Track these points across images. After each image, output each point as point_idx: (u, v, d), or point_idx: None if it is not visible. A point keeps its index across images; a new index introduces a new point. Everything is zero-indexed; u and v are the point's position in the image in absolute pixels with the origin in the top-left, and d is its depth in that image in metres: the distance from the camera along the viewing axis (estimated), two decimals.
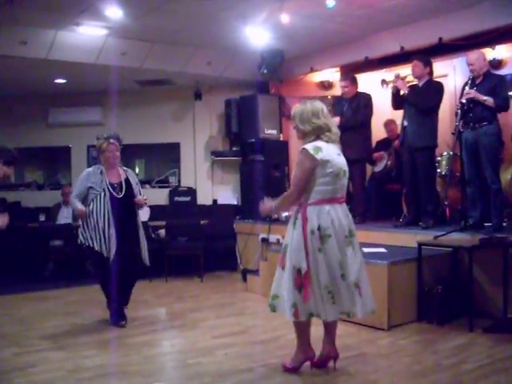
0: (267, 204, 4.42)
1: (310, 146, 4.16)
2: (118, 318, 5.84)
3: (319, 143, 4.19)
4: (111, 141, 5.96)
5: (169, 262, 8.51)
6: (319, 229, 4.11)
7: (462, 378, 4.20)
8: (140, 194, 6.11)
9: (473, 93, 6.20)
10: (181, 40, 8.37)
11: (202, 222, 8.68)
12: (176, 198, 10.05)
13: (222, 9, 6.96)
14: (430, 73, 7.09)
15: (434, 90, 6.99)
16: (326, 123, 4.24)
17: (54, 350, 5.11)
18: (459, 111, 6.32)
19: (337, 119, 7.69)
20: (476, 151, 6.30)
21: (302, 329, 4.32)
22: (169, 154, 10.73)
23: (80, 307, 6.81)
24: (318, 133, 4.22)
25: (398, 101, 7.29)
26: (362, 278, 4.30)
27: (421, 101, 6.93)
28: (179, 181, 10.50)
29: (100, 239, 5.72)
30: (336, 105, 8.03)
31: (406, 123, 7.13)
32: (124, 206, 5.87)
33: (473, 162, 6.38)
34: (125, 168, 6.19)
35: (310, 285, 4.11)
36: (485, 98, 6.15)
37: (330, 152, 4.19)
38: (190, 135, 10.40)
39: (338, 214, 4.18)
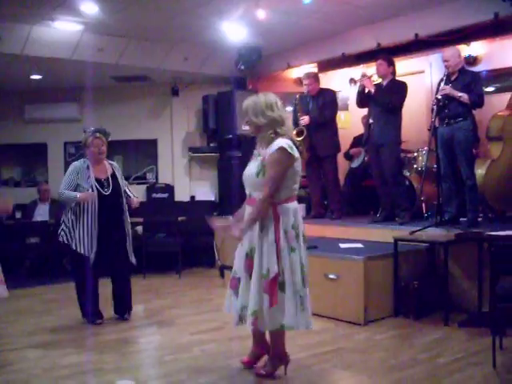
0: (236, 226, 4.12)
1: (286, 145, 3.94)
2: (94, 316, 5.81)
3: (288, 141, 3.99)
4: (97, 135, 5.83)
5: (146, 259, 8.48)
6: (293, 227, 3.98)
7: (437, 372, 4.25)
8: (127, 189, 6.06)
9: (448, 89, 6.25)
10: (157, 36, 8.32)
11: (179, 219, 8.66)
12: (153, 195, 10.02)
13: (198, 4, 6.93)
14: (394, 72, 7.26)
15: (398, 89, 7.15)
16: (280, 116, 4.04)
17: (30, 348, 5.07)
18: (435, 107, 6.37)
19: (306, 118, 7.76)
20: (451, 147, 6.36)
21: (278, 335, 4.14)
22: (146, 150, 10.67)
23: (57, 305, 6.77)
24: (274, 126, 4.01)
25: (363, 99, 7.42)
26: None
27: (386, 100, 7.07)
28: (157, 177, 10.45)
29: (83, 239, 5.63)
30: (301, 102, 8.06)
31: (371, 121, 7.27)
32: (111, 202, 5.79)
33: (448, 158, 6.44)
34: (111, 162, 6.06)
35: (278, 291, 3.93)
36: (460, 94, 6.21)
37: (295, 149, 4.04)
38: (167, 131, 10.34)
39: (299, 213, 4.10)
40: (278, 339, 4.17)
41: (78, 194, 5.61)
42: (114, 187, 5.85)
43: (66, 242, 5.69)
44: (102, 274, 5.94)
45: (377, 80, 7.32)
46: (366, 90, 7.29)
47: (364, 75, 7.33)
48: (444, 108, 6.33)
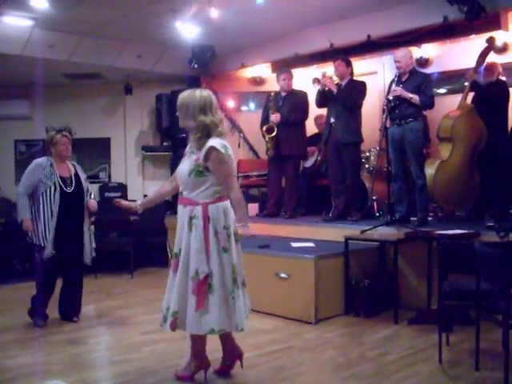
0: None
1: (219, 146, 3.86)
2: (39, 317, 5.70)
3: (222, 141, 3.91)
4: (64, 133, 5.78)
5: (98, 259, 8.34)
6: (225, 227, 3.90)
7: (385, 369, 4.31)
8: (88, 191, 5.96)
9: (399, 90, 6.35)
10: (110, 33, 8.20)
11: (132, 218, 8.56)
12: (106, 194, 9.90)
13: (151, 2, 6.87)
14: (352, 73, 7.39)
15: (358, 88, 7.28)
16: (212, 121, 3.89)
17: None
18: (386, 108, 6.45)
19: (278, 116, 7.78)
20: (402, 147, 6.45)
21: (198, 337, 4.05)
22: (99, 149, 10.54)
23: (4, 306, 6.62)
24: (203, 131, 3.88)
25: (322, 99, 7.48)
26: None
27: (349, 99, 7.18)
28: (109, 176, 10.35)
29: (46, 235, 5.56)
30: (270, 100, 8.10)
31: (332, 120, 7.33)
32: (73, 201, 5.71)
33: (399, 158, 6.54)
34: (73, 163, 6.01)
35: (206, 292, 3.84)
36: (411, 95, 6.32)
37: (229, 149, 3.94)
38: (120, 130, 10.25)
39: (232, 213, 3.98)
40: (196, 342, 4.10)
41: (27, 217, 5.56)
42: (77, 186, 5.79)
43: (33, 239, 5.62)
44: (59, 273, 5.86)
45: (336, 80, 7.38)
46: (326, 88, 7.33)
47: (324, 75, 7.39)
48: (395, 109, 6.43)
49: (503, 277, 3.74)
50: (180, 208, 4.04)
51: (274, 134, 7.84)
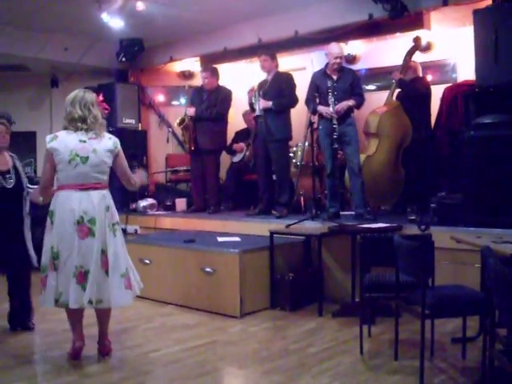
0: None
1: (49, 135, 4.32)
2: None
3: (61, 132, 4.32)
4: (0, 121, 5.27)
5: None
6: (50, 215, 4.29)
7: (307, 361, 4.34)
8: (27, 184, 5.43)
9: (341, 108, 6.44)
10: (35, 23, 8.02)
11: None
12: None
13: None
14: (277, 65, 7.37)
15: (285, 84, 7.26)
16: (80, 116, 4.30)
17: None
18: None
19: (192, 109, 7.76)
20: (342, 144, 6.53)
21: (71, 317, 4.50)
22: (24, 143, 10.26)
23: None
24: (69, 123, 4.31)
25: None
26: (95, 266, 4.21)
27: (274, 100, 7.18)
28: (35, 171, 10.06)
29: None
30: (195, 95, 8.06)
31: (257, 115, 7.38)
32: (12, 197, 5.18)
33: (335, 155, 6.61)
34: (11, 154, 5.40)
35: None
36: (349, 103, 6.46)
37: (69, 139, 4.26)
38: (46, 124, 10.00)
39: (71, 202, 4.20)
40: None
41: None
42: (18, 180, 5.23)
43: None
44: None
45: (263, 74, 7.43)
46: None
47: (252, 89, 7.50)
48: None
49: (419, 268, 3.83)
50: None
51: (183, 125, 7.92)
